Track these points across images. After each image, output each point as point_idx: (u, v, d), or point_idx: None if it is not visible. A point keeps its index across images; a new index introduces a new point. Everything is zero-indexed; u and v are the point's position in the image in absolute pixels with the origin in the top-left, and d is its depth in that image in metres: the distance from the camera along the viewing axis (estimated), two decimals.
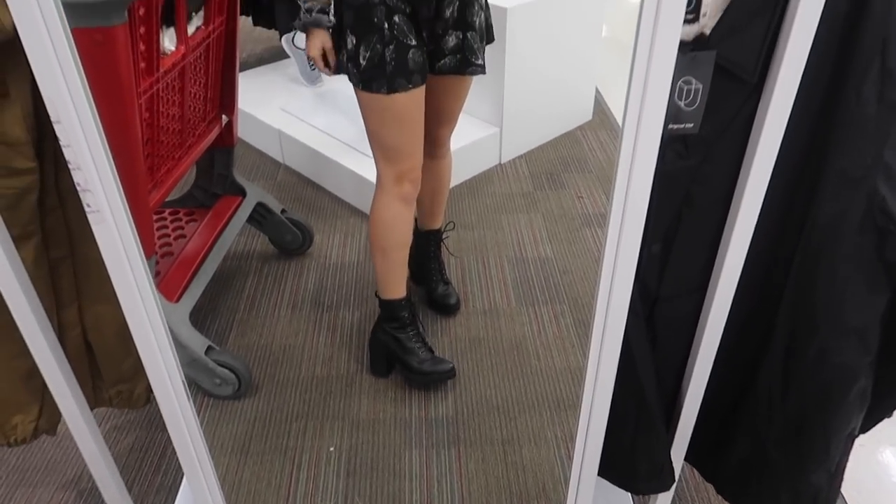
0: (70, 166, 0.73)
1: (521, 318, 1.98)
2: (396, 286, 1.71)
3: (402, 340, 1.73)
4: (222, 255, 1.88)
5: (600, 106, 3.18)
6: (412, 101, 1.48)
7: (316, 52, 1.47)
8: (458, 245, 2.28)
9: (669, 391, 1.06)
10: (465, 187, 2.61)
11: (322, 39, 1.46)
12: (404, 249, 1.68)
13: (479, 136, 2.62)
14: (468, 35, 1.51)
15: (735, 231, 0.85)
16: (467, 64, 1.54)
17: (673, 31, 0.68)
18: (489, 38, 1.61)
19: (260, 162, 2.83)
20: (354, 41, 1.42)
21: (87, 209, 0.76)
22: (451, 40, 1.50)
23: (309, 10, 1.43)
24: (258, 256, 2.26)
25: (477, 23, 1.52)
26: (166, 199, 1.84)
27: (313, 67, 2.98)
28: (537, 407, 1.70)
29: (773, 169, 0.80)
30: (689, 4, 0.72)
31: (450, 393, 1.74)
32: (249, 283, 2.14)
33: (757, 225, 0.84)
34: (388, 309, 1.73)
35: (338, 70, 1.51)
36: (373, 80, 1.43)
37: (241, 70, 2.10)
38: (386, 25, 1.40)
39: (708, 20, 0.73)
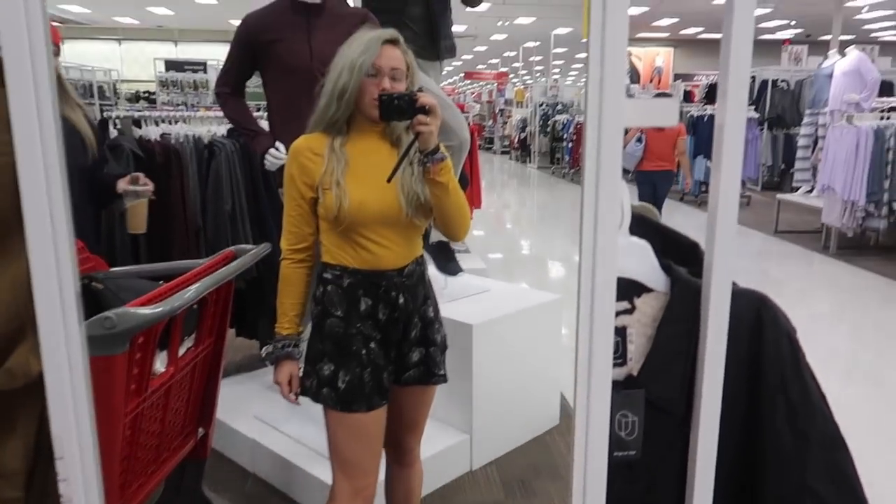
0: (62, 499, 0.78)
1: None
2: None
3: None
4: None
5: (566, 410, 3.29)
6: (380, 418, 1.61)
7: (283, 379, 1.62)
8: None
9: None
10: (435, 496, 2.57)
11: (290, 369, 1.63)
12: None
13: (449, 443, 2.66)
14: (430, 350, 1.68)
15: None
16: (430, 375, 1.68)
17: (605, 372, 0.81)
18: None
19: (229, 471, 2.78)
20: (333, 367, 1.56)
21: None
22: (415, 355, 1.66)
23: (284, 346, 1.61)
24: None
25: (438, 339, 1.70)
26: None
27: None
28: None
29: (715, 494, 0.88)
30: (616, 351, 0.87)
31: None
32: None
33: None
34: None
35: (303, 393, 1.63)
36: (353, 401, 1.55)
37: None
38: (363, 352, 1.56)
39: (634, 364, 0.88)
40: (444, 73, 3.30)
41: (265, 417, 2.88)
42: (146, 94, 13.13)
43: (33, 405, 0.96)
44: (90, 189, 2.09)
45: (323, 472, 2.44)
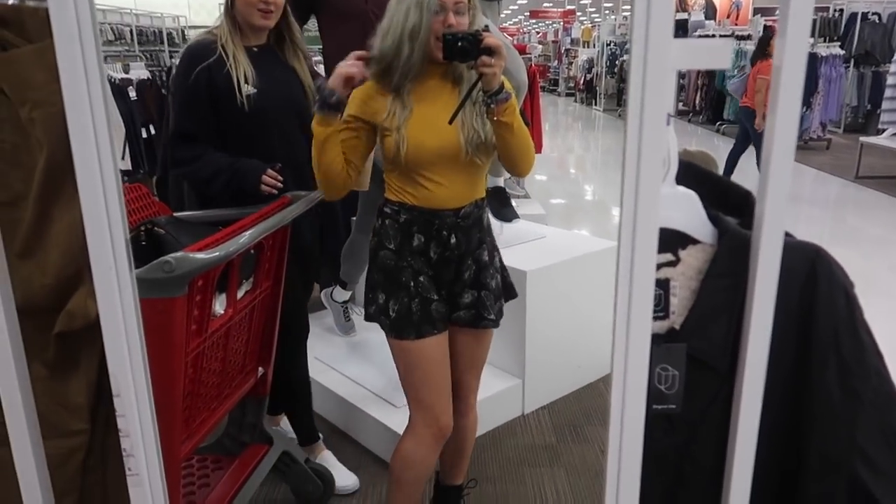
0: (120, 433, 0.83)
1: None
2: None
3: None
4: None
5: None
6: (438, 345, 1.65)
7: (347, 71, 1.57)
8: (480, 499, 2.24)
9: None
10: (488, 438, 2.63)
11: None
12: (420, 486, 1.74)
13: (502, 388, 2.70)
14: (482, 294, 1.69)
15: None
16: (480, 318, 1.70)
17: (644, 327, 0.80)
18: (510, 296, 1.79)
19: None
20: (384, 297, 1.63)
21: (128, 472, 0.84)
22: (467, 297, 1.68)
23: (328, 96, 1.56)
24: None
25: (493, 284, 1.71)
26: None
27: (348, 319, 3.20)
28: None
29: (757, 450, 0.86)
30: (658, 304, 0.85)
31: None
32: None
33: (752, 502, 0.88)
34: None
35: (367, 318, 1.72)
36: (403, 329, 1.61)
37: None
38: (412, 284, 1.61)
39: (677, 317, 0.85)
40: (508, 12, 3.19)
41: (324, 357, 2.98)
42: None
43: (94, 345, 1.02)
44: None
45: (379, 412, 2.53)
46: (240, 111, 1.94)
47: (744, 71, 6.83)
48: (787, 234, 0.85)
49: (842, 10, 10.80)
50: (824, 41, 9.58)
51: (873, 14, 10.09)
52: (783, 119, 0.76)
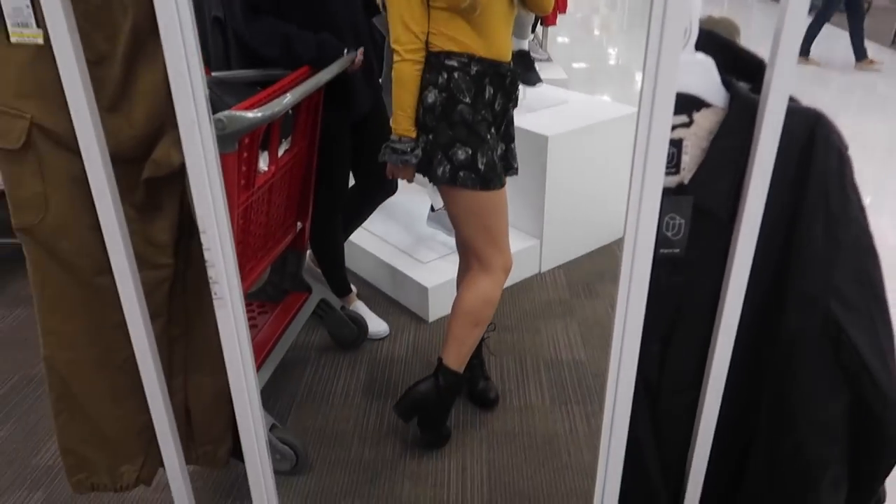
0: (207, 264, 0.99)
1: (555, 415, 2.14)
2: (466, 362, 1.96)
3: (445, 405, 1.95)
4: (288, 345, 2.13)
5: None
6: (506, 194, 1.81)
7: (407, 177, 1.80)
8: (499, 346, 2.48)
9: (676, 478, 1.21)
10: (506, 293, 2.83)
11: (409, 174, 1.79)
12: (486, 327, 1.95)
13: (520, 247, 2.87)
14: (510, 146, 1.87)
15: (719, 338, 1.04)
16: (508, 168, 1.89)
17: (656, 182, 0.92)
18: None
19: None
20: (470, 151, 1.69)
21: (214, 297, 1.01)
22: (500, 148, 1.83)
23: (407, 149, 1.71)
24: (316, 348, 2.50)
25: (514, 136, 1.89)
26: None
27: None
28: (567, 498, 1.83)
29: (747, 289, 1.00)
30: (670, 161, 0.96)
31: (486, 481, 1.89)
32: (308, 371, 2.36)
33: (737, 337, 1.04)
34: (455, 381, 1.93)
35: (433, 180, 1.76)
36: (490, 180, 1.72)
37: None
38: (489, 137, 1.72)
39: (686, 173, 0.97)
40: None
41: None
42: None
43: (175, 190, 1.16)
44: None
45: (405, 265, 2.72)
46: None
47: None
48: (793, 100, 0.95)
49: None
50: None
51: None
52: None
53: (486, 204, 1.76)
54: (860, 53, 6.16)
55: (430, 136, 1.71)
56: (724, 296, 1.02)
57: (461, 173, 1.69)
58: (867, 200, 0.97)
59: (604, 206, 3.12)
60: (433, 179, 1.75)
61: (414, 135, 1.71)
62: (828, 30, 6.45)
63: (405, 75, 1.67)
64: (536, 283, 2.93)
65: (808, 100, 0.95)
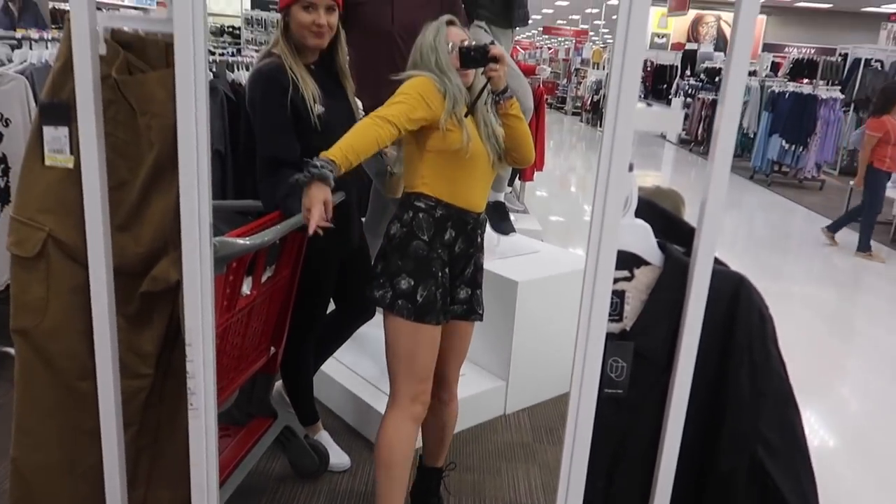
0: (188, 374, 1.06)
1: None
2: None
3: None
4: (247, 470, 2.11)
5: None
6: (440, 334, 1.87)
7: (316, 203, 1.54)
8: (458, 485, 2.46)
9: None
10: (470, 433, 2.85)
11: (324, 194, 1.56)
12: (406, 468, 1.91)
13: (487, 388, 2.93)
14: (476, 292, 1.96)
15: (661, 472, 1.11)
16: (472, 313, 1.96)
17: (601, 326, 1.03)
18: None
19: None
20: (412, 283, 1.79)
21: (189, 407, 1.07)
22: (463, 293, 1.93)
23: (322, 166, 1.56)
24: (275, 477, 2.46)
25: (481, 283, 1.98)
26: None
27: None
28: None
29: (686, 428, 1.09)
30: (614, 310, 1.09)
31: None
32: (264, 501, 2.32)
33: (677, 471, 1.11)
34: None
35: (375, 302, 1.84)
36: (427, 313, 1.80)
37: None
38: (440, 274, 1.83)
39: (628, 321, 1.09)
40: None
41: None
42: (230, 29, 13.55)
43: (167, 305, 1.25)
44: None
45: (370, 397, 2.75)
46: (313, 130, 2.00)
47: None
48: (721, 263, 1.10)
49: (846, 55, 11.11)
50: (826, 84, 9.85)
51: (876, 61, 10.40)
52: (719, 164, 1.00)
53: (416, 336, 1.82)
54: (865, 244, 6.34)
55: (382, 264, 1.85)
56: (663, 434, 1.10)
57: (399, 301, 1.80)
58: None
59: (570, 352, 3.21)
60: (374, 302, 1.85)
61: (336, 161, 1.59)
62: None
63: (362, 123, 1.71)
64: (501, 424, 2.96)
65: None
